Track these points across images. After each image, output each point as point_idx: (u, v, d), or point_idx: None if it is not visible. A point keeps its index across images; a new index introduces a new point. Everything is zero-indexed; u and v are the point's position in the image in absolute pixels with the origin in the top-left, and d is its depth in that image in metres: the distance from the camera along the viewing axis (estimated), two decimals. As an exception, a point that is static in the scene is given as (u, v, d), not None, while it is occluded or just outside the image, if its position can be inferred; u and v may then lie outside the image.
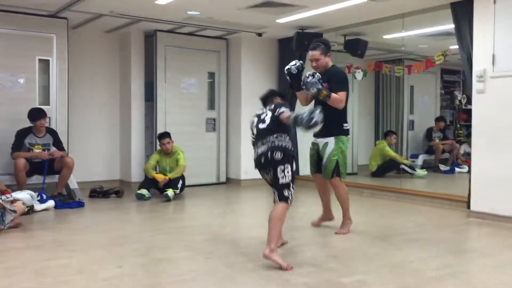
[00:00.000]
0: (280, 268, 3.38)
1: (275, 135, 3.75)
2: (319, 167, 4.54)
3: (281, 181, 3.65)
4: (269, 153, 3.69)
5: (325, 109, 4.18)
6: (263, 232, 4.50)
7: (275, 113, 3.83)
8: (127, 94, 7.55)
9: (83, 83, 7.36)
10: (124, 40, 7.61)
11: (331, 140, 4.44)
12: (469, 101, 10.12)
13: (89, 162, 7.37)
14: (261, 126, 3.88)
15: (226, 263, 3.56)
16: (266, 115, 3.91)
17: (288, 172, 3.66)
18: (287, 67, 4.30)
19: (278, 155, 3.67)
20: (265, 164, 3.75)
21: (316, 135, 4.53)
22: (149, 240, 4.24)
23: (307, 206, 6.08)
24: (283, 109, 3.86)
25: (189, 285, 3.07)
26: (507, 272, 3.41)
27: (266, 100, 4.11)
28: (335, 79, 4.43)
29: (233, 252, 3.87)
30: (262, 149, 3.76)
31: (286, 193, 3.64)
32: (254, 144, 3.91)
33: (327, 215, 4.74)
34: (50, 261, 3.57)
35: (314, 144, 4.59)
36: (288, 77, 4.36)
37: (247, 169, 7.69)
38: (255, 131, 3.94)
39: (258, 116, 3.98)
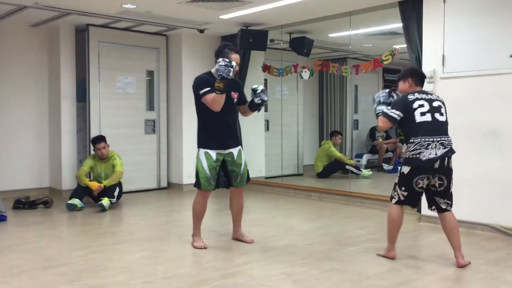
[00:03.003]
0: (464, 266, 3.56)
1: (448, 135, 3.59)
2: (228, 180, 4.21)
3: (451, 189, 3.61)
4: (446, 160, 3.49)
5: (233, 116, 4.11)
6: (215, 245, 4.14)
7: (445, 107, 3.65)
8: (56, 93, 6.92)
9: (6, 81, 6.69)
10: (53, 35, 6.96)
11: (240, 148, 4.16)
12: (410, 100, 10.24)
13: (14, 168, 6.72)
14: (439, 118, 3.56)
15: (169, 287, 3.16)
16: (440, 106, 3.62)
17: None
18: (227, 63, 3.73)
19: (451, 163, 3.55)
20: (438, 170, 3.51)
21: (226, 145, 4.04)
22: (79, 262, 3.74)
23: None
24: None
25: (125, 320, 2.65)
26: (471, 286, 3.25)
27: (422, 79, 3.81)
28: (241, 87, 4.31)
29: (178, 272, 3.47)
30: (441, 151, 3.48)
31: (452, 198, 3.66)
32: (418, 135, 3.52)
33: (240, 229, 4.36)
34: (-42, 294, 3.03)
35: (220, 154, 4.03)
36: (224, 77, 3.73)
37: (190, 173, 7.28)
38: (422, 118, 3.53)
39: (428, 100, 3.60)
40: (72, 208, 5.73)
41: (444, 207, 3.64)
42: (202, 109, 4.00)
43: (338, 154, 8.57)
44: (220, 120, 3.98)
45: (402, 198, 3.68)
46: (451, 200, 3.66)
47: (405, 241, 4.34)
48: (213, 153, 4.00)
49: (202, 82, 3.94)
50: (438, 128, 3.54)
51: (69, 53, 6.89)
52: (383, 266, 3.63)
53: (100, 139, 6.22)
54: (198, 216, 4.15)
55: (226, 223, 5.17)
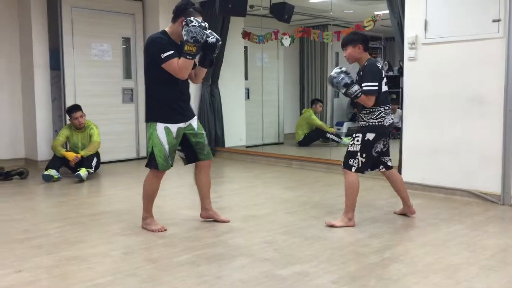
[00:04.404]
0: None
1: None
2: (193, 154, 3.77)
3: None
4: (393, 123, 3.84)
5: (188, 83, 3.70)
6: (194, 215, 4.09)
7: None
8: (29, 62, 6.67)
9: (-26, 49, 6.41)
10: (22, 1, 6.66)
11: (196, 118, 3.80)
12: (390, 68, 10.19)
13: (-13, 140, 6.51)
14: (386, 89, 3.79)
15: (149, 258, 3.11)
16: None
17: None
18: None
19: None
20: (389, 133, 3.86)
21: (186, 117, 3.64)
22: (56, 233, 3.66)
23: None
24: None
25: (103, 292, 2.60)
26: (449, 250, 3.27)
27: (368, 45, 3.84)
28: None
29: (158, 243, 3.42)
30: (392, 116, 3.80)
31: None
32: (383, 103, 3.71)
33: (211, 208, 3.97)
34: None
35: (180, 129, 3.60)
36: (198, 40, 3.35)
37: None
38: (385, 88, 3.74)
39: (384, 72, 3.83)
40: (48, 178, 5.61)
41: (390, 164, 3.94)
42: (158, 76, 3.50)
43: (319, 122, 8.55)
44: (178, 88, 3.56)
45: (360, 165, 3.77)
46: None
47: (384, 208, 4.35)
48: (173, 128, 3.55)
49: (164, 44, 3.43)
50: (388, 97, 3.84)
51: (41, 20, 6.61)
52: (364, 233, 3.64)
53: (76, 108, 6.05)
54: (151, 198, 3.73)
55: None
